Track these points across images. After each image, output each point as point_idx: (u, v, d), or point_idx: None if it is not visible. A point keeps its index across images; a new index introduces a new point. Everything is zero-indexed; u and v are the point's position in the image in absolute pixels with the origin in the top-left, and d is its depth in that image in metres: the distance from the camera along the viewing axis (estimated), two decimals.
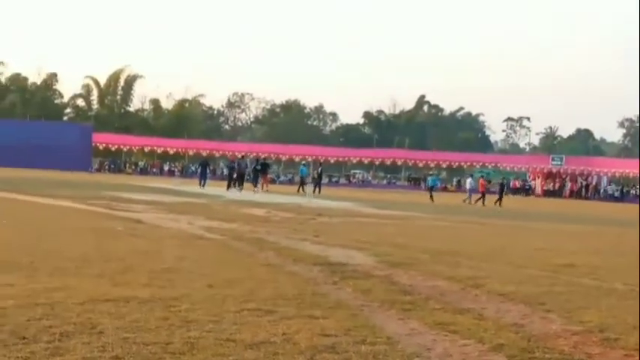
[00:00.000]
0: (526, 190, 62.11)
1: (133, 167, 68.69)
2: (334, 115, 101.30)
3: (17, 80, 78.43)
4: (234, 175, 32.90)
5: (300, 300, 6.09)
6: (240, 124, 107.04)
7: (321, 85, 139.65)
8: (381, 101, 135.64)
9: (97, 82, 78.81)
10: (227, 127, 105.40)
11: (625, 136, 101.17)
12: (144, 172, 65.33)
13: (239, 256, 9.05)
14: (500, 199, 33.98)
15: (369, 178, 70.70)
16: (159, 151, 69.45)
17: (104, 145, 67.54)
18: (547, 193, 61.13)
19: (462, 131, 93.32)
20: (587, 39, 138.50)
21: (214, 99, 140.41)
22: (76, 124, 72.36)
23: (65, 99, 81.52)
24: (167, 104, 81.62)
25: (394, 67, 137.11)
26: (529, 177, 66.22)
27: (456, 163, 69.99)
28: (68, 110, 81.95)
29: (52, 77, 79.41)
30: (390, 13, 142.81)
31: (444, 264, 9.00)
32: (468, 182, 38.63)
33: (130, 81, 79.31)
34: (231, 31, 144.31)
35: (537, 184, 64.14)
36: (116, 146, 68.76)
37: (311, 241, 11.09)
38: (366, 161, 72.43)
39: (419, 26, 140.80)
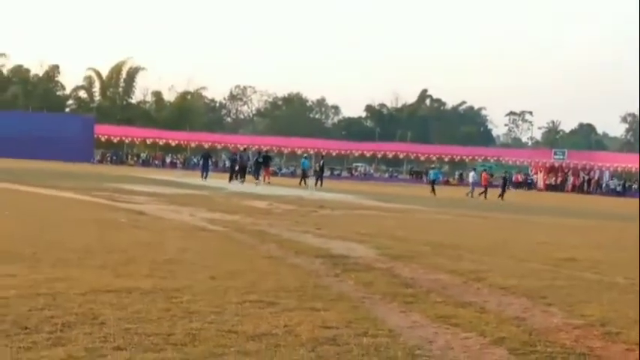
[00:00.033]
0: (528, 184, 62.13)
1: (135, 159, 68.75)
2: (336, 109, 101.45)
3: (19, 72, 78.41)
4: (236, 168, 32.92)
5: (302, 292, 6.09)
6: (242, 116, 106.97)
7: (323, 79, 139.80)
8: (384, 95, 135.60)
9: (99, 74, 78.72)
10: (229, 119, 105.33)
11: (627, 130, 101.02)
12: (146, 163, 65.35)
13: (241, 248, 9.06)
14: (502, 193, 34.09)
15: (371, 171, 70.63)
16: (161, 143, 69.46)
17: (106, 136, 67.51)
18: (549, 188, 61.09)
19: (465, 125, 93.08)
20: (591, 32, 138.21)
21: (216, 92, 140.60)
22: (78, 116, 72.30)
23: (67, 91, 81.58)
24: (169, 96, 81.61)
25: (394, 67, 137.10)
26: (531, 171, 66.19)
27: (458, 157, 70.02)
28: (70, 102, 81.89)
29: (54, 69, 79.36)
30: (392, 13, 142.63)
31: (446, 257, 9.01)
32: (471, 176, 38.84)
33: (132, 73, 79.20)
34: (233, 24, 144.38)
35: (539, 179, 64.11)
36: (118, 138, 68.77)
37: (313, 233, 11.09)
38: (368, 154, 72.45)
39: (419, 26, 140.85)
